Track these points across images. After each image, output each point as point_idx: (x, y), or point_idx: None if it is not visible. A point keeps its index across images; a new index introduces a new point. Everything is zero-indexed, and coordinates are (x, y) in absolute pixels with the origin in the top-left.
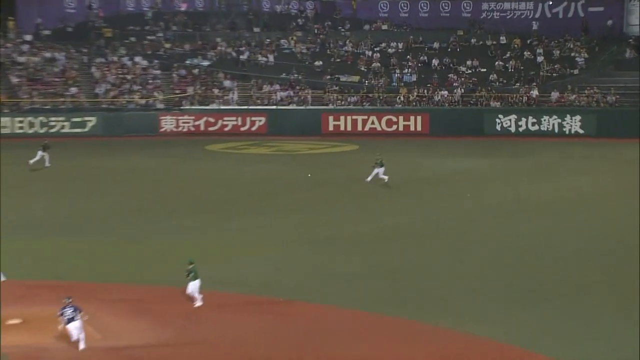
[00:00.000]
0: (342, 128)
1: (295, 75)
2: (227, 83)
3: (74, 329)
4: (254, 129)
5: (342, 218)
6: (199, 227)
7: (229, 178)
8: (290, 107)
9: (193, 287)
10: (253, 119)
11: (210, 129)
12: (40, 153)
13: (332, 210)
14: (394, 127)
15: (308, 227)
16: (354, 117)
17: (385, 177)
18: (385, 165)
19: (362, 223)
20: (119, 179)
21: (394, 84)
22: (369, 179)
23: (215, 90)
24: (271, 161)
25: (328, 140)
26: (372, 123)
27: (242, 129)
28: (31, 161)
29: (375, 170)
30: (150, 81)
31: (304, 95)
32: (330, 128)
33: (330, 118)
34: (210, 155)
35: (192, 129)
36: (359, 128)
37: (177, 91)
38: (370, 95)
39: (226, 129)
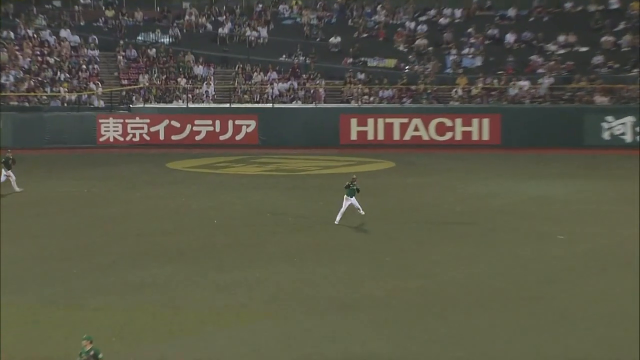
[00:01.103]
0: (370, 136)
1: (301, 59)
2: (199, 70)
3: None
4: (239, 137)
5: (365, 272)
6: (153, 284)
7: (200, 211)
8: (294, 105)
9: None
10: (238, 122)
11: (175, 137)
12: (4, 173)
13: (352, 259)
14: (448, 135)
15: (310, 284)
16: (389, 120)
17: (361, 209)
18: (359, 192)
19: (398, 278)
20: (34, 213)
21: (448, 70)
22: (338, 218)
23: (182, 81)
24: (264, 186)
25: (350, 155)
26: (416, 129)
27: (222, 137)
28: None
29: (346, 203)
30: (84, 67)
31: (314, 87)
32: (353, 136)
33: (353, 121)
34: (174, 177)
35: (147, 137)
36: (396, 136)
37: (124, 82)
38: (413, 87)
39: (198, 137)
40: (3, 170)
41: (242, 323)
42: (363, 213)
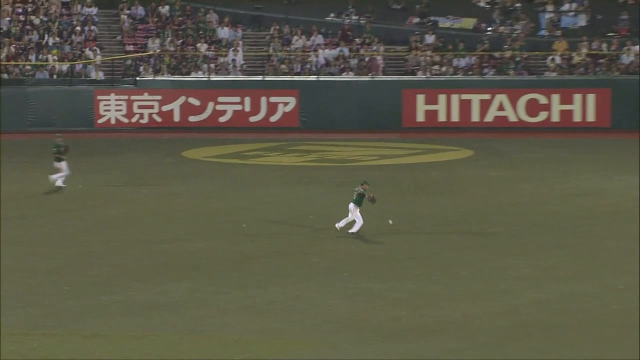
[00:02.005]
0: (441, 117)
1: (354, 18)
2: (223, 32)
3: None
4: (274, 119)
5: (435, 290)
6: (165, 303)
7: (224, 213)
8: (344, 77)
9: None
10: (273, 100)
11: (193, 118)
12: (56, 165)
13: (418, 273)
14: (542, 115)
15: (363, 305)
16: (465, 96)
17: (354, 229)
18: (375, 200)
19: (477, 298)
20: (16, 215)
21: (543, 32)
22: (341, 224)
23: (202, 47)
24: (305, 180)
25: (415, 141)
26: (500, 108)
27: (253, 118)
28: (55, 177)
29: (350, 216)
30: (78, 29)
31: (370, 55)
32: (420, 117)
33: (420, 98)
34: (191, 169)
35: (158, 119)
36: (475, 117)
37: (130, 48)
38: (497, 55)
39: (222, 119)
40: (55, 162)
41: (278, 353)
42: (356, 230)
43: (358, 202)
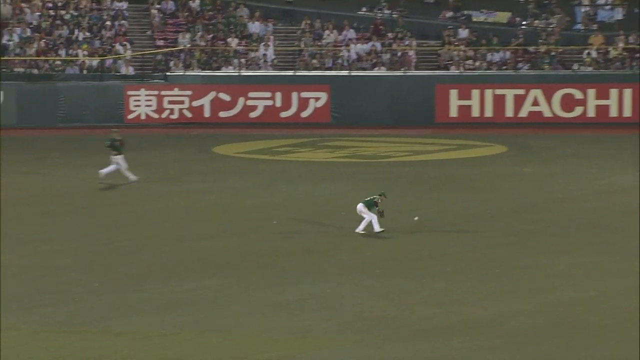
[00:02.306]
0: (475, 113)
1: (386, 12)
2: (254, 27)
3: None
4: (305, 114)
5: (466, 288)
6: (193, 301)
7: (254, 209)
8: (376, 72)
9: None
10: (305, 95)
11: (224, 114)
12: (113, 160)
13: (449, 271)
14: (578, 110)
15: (395, 303)
16: (499, 91)
17: (377, 227)
18: (382, 205)
19: (509, 297)
20: (44, 211)
21: (578, 26)
22: (360, 228)
23: (233, 42)
24: (337, 177)
25: (448, 137)
26: (535, 103)
27: (284, 114)
28: (104, 171)
29: (367, 217)
30: (108, 24)
31: (403, 49)
32: (453, 113)
33: (453, 93)
34: (222, 165)
35: (188, 114)
36: (509, 113)
37: (160, 43)
38: (532, 49)
39: (253, 114)
40: (112, 156)
41: (308, 351)
42: (377, 229)
43: (369, 205)
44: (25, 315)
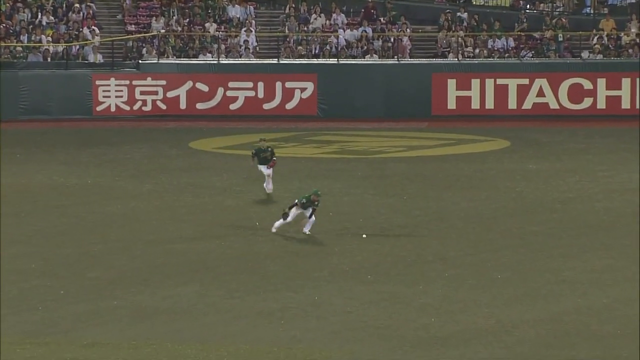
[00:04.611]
0: (475, 104)
1: None
2: (234, 11)
3: None
4: (290, 106)
5: (466, 294)
6: (170, 309)
7: (235, 210)
8: (367, 60)
9: None
10: (290, 85)
11: (201, 106)
12: (265, 172)
13: (448, 276)
14: (587, 102)
15: (389, 311)
16: (502, 80)
17: (308, 226)
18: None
19: (513, 304)
20: (7, 212)
21: (588, 10)
22: (277, 225)
23: (211, 27)
24: (325, 174)
25: (445, 130)
26: (540, 94)
27: (267, 106)
28: (269, 186)
29: (293, 213)
30: (76, 6)
31: (396, 36)
32: (451, 104)
33: (451, 83)
34: (199, 161)
35: (163, 106)
36: (512, 104)
37: (131, 27)
38: (537, 35)
39: (233, 106)
40: (260, 167)
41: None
42: (306, 230)
43: (304, 205)
44: None
